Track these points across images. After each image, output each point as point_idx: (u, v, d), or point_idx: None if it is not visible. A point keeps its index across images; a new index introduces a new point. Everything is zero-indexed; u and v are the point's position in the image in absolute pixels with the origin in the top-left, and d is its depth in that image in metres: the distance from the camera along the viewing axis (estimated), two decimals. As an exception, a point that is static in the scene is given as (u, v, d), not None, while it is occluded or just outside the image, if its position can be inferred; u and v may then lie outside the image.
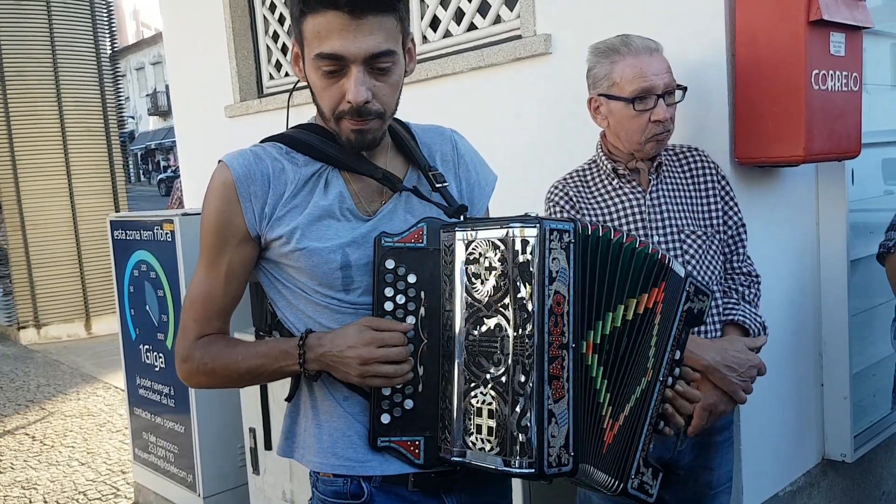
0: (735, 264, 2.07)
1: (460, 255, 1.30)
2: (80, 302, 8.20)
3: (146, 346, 3.64)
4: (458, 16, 3.06)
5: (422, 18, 3.19)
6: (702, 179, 2.06)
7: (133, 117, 46.39)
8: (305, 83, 1.37)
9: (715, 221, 2.03)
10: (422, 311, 1.33)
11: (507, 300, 1.24)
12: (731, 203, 2.07)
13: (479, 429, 1.27)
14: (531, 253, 1.23)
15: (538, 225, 1.23)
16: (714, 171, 2.06)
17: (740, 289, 2.05)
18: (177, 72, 4.60)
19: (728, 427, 2.07)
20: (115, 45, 8.77)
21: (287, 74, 3.91)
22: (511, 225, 1.25)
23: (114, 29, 8.74)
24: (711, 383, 1.91)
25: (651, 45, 1.95)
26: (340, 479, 1.38)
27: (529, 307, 1.23)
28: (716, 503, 2.06)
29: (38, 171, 7.92)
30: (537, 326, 1.23)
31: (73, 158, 8.08)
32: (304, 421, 1.44)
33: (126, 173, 9.04)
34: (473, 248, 1.28)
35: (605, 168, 2.05)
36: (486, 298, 1.26)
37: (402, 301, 1.33)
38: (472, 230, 1.29)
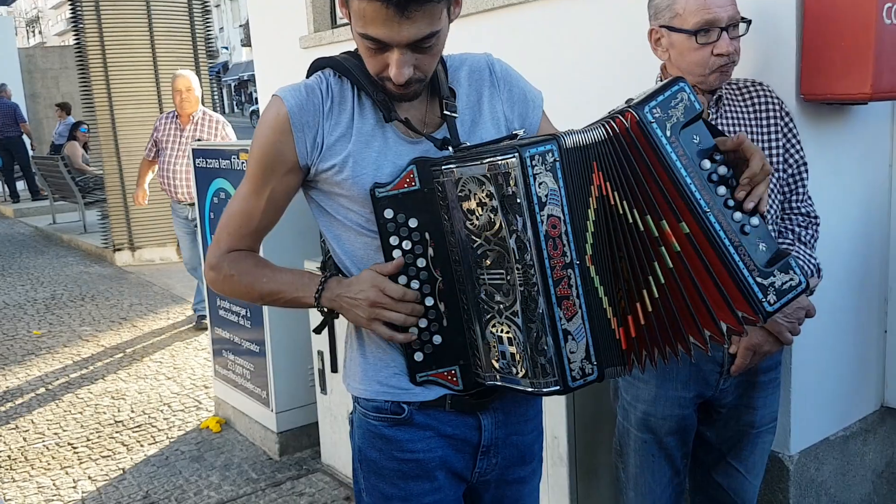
0: (794, 204, 2.02)
1: (452, 193, 1.31)
2: (171, 227, 8.55)
3: (224, 270, 3.82)
4: (528, -55, 3.01)
5: (492, -52, 3.14)
6: (764, 115, 2.00)
7: (227, 48, 47.24)
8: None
9: (775, 159, 1.99)
10: (430, 251, 1.36)
11: (503, 233, 1.26)
12: (794, 141, 2.01)
13: (502, 355, 1.33)
14: (514, 184, 1.23)
15: (517, 154, 1.22)
16: (778, 107, 2.01)
17: (797, 229, 2.01)
18: (256, 3, 4.68)
19: (775, 368, 2.06)
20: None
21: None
22: (493, 158, 1.24)
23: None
24: (757, 323, 1.90)
25: (715, -24, 1.89)
26: (382, 399, 1.46)
27: (524, 237, 1.24)
28: (758, 441, 2.06)
29: (132, 100, 8.20)
30: (535, 254, 1.24)
31: (164, 89, 8.34)
32: (351, 351, 1.52)
33: (220, 104, 9.25)
34: (463, 185, 1.29)
35: (662, 102, 2.02)
36: (485, 233, 1.29)
37: (409, 246, 1.36)
38: (459, 167, 1.29)
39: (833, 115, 2.27)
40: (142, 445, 3.89)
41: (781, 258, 1.31)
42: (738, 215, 1.30)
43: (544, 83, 1.63)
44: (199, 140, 5.30)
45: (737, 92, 2.04)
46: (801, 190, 2.03)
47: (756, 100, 2.02)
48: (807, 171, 2.02)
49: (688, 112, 1.29)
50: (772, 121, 2.00)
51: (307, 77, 1.46)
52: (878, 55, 1.95)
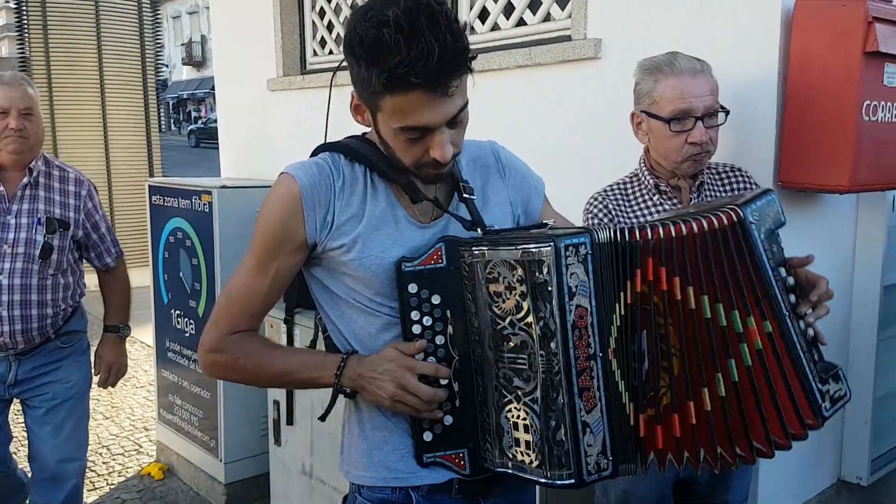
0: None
1: (480, 274, 1.32)
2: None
3: (177, 312, 3.72)
4: (508, 10, 3.05)
5: (471, 9, 3.18)
6: (742, 200, 2.06)
7: (167, 66, 46.52)
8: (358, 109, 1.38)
9: (752, 244, 2.04)
10: (449, 329, 1.37)
11: (529, 318, 1.27)
12: (771, 226, 2.07)
13: (517, 442, 1.32)
14: (547, 273, 1.24)
15: (552, 244, 1.23)
16: (756, 193, 2.06)
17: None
18: (222, 41, 4.61)
19: (749, 448, 2.10)
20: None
21: (331, 52, 3.92)
22: (525, 245, 1.26)
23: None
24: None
25: (696, 66, 1.94)
26: (389, 488, 1.43)
27: (552, 325, 1.25)
28: (730, 519, 2.10)
29: (76, 122, 7.99)
30: (561, 343, 1.25)
31: (109, 109, 8.14)
32: (350, 437, 1.49)
33: (159, 122, 9.05)
34: (492, 268, 1.30)
35: (646, 183, 2.06)
36: (510, 317, 1.29)
37: (430, 323, 1.36)
38: (490, 249, 1.30)
39: (804, 200, 2.34)
40: (79, 492, 3.71)
41: (832, 368, 1.38)
42: (801, 324, 1.36)
43: (522, 151, 1.65)
44: (58, 224, 2.80)
45: (716, 176, 2.09)
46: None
47: (735, 185, 2.08)
48: (782, 256, 2.08)
49: (776, 222, 1.37)
50: (750, 206, 2.05)
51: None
52: (857, 150, 2.03)
